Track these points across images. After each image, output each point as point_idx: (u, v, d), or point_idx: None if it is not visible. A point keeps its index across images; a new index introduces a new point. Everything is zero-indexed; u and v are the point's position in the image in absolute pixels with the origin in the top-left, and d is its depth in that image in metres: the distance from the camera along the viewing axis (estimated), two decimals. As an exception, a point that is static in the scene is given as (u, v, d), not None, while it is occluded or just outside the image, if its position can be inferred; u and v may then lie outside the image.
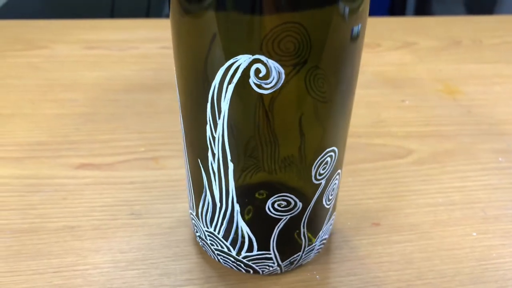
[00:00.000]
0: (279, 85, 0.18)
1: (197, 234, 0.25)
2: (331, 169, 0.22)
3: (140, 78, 0.43)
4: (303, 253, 0.24)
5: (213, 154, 0.21)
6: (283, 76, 0.18)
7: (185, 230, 0.27)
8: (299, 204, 0.23)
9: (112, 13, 0.81)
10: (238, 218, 0.23)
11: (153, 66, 0.45)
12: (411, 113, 0.39)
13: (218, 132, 0.20)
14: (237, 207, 0.22)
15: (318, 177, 0.22)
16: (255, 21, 0.17)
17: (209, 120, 0.20)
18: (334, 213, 0.26)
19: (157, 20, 0.57)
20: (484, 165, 0.33)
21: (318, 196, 0.23)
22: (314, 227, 0.24)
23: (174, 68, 0.21)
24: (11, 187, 0.30)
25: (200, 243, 0.26)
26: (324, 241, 0.26)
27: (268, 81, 0.18)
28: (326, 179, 0.22)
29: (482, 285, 0.24)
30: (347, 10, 0.18)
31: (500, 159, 0.34)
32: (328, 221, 0.25)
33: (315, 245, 0.25)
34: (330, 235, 0.27)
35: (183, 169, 0.31)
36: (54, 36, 0.50)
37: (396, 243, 0.27)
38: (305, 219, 0.23)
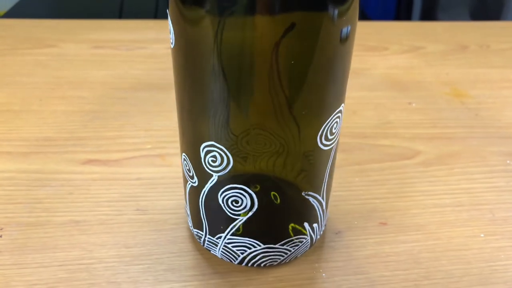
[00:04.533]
0: (172, 45, 0.20)
1: None
2: (226, 166, 0.20)
3: (147, 77, 0.43)
4: (206, 236, 0.23)
5: None
6: (173, 37, 0.19)
7: (191, 226, 0.27)
8: (196, 180, 0.21)
9: (121, 14, 0.81)
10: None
11: (160, 66, 0.45)
12: (418, 115, 0.38)
13: None
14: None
15: (209, 167, 0.20)
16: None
17: None
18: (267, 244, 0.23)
19: (165, 22, 0.57)
20: (492, 167, 0.33)
21: (210, 189, 0.21)
22: (211, 222, 0.22)
23: None
24: (18, 181, 0.30)
25: None
26: (233, 254, 0.23)
27: (170, 36, 0.20)
28: (218, 176, 0.20)
29: (491, 286, 0.24)
30: (336, 12, 0.17)
31: (508, 161, 0.33)
32: (232, 231, 0.22)
33: (219, 244, 0.23)
34: (338, 233, 0.27)
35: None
36: (63, 35, 0.50)
37: (403, 242, 0.27)
38: (201, 201, 0.22)
